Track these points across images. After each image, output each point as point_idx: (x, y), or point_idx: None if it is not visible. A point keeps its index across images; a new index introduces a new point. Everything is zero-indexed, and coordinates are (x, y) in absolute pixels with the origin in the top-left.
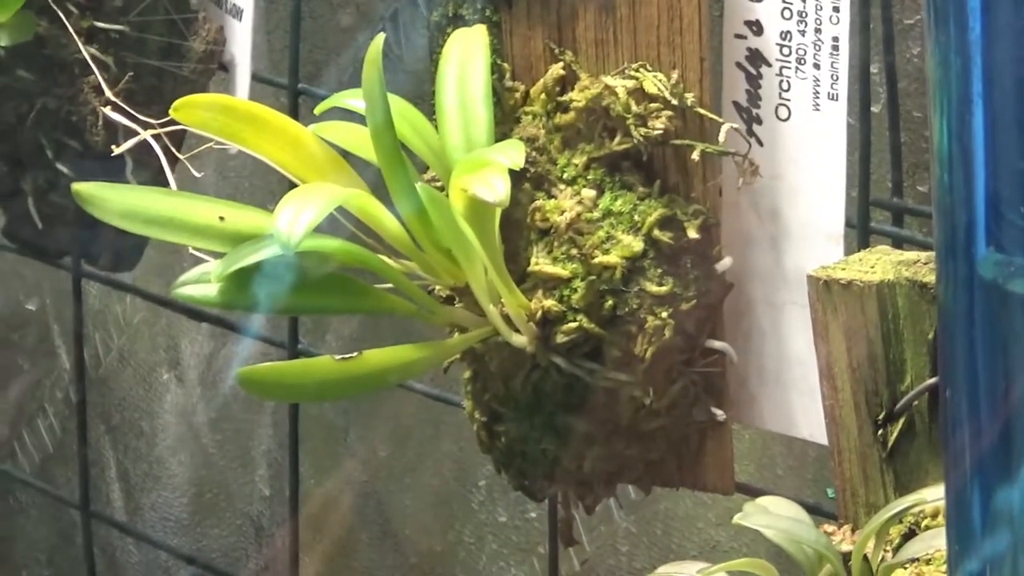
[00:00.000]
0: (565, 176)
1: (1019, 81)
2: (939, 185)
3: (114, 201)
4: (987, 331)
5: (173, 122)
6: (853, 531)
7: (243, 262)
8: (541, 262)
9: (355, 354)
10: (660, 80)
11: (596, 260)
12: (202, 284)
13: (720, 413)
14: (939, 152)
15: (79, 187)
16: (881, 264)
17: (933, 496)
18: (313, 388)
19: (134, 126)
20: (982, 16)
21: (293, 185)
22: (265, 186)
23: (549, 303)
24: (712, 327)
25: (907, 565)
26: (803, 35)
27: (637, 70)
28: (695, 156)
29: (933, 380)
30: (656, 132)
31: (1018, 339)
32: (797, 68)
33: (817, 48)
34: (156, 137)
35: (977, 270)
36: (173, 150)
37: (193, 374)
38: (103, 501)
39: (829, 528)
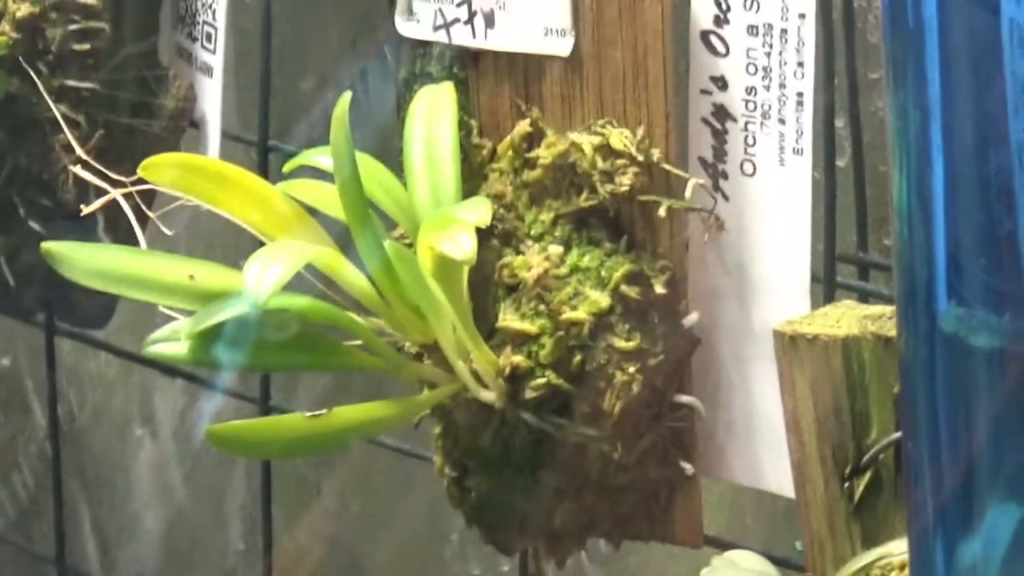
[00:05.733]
0: (532, 232)
1: (978, 135)
2: (899, 239)
3: (84, 260)
4: (948, 384)
5: (143, 180)
6: None
7: (212, 320)
8: (509, 318)
9: (324, 411)
10: (626, 136)
11: (564, 316)
12: (173, 342)
13: (689, 467)
14: (899, 206)
15: (49, 246)
16: (846, 318)
17: (899, 549)
18: (282, 445)
19: (104, 185)
20: (941, 71)
21: (263, 243)
22: (237, 243)
23: (518, 359)
24: (680, 381)
25: None
26: (768, 90)
27: (603, 126)
28: (662, 212)
29: (899, 434)
30: (622, 188)
31: (979, 392)
32: (762, 123)
33: (782, 103)
34: (127, 195)
35: (938, 324)
36: (144, 208)
37: (167, 429)
38: (78, 556)
39: None
